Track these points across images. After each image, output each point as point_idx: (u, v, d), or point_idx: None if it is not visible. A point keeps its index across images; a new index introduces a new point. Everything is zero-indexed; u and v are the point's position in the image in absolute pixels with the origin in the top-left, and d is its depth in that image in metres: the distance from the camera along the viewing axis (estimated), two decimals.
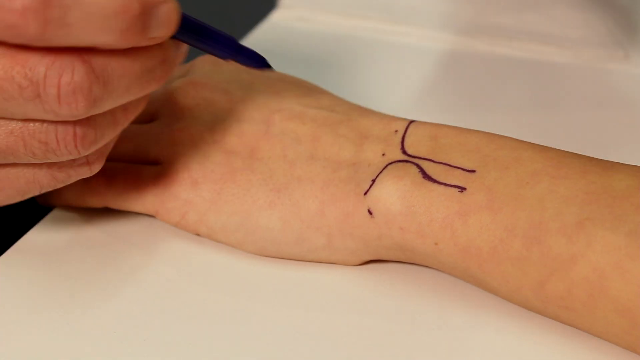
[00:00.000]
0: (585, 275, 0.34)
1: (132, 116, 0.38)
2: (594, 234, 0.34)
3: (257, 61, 0.39)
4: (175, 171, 0.42)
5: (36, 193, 0.38)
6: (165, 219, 0.42)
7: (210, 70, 0.47)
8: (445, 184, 0.38)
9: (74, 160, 0.37)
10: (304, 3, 0.69)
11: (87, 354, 0.36)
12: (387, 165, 0.39)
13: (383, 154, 0.40)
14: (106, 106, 0.35)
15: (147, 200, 0.42)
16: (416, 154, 0.39)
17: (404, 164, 0.39)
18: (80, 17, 0.31)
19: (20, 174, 0.37)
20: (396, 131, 0.41)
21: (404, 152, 0.39)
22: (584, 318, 0.35)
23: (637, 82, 0.56)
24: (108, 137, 0.37)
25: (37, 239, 0.43)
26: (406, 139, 0.40)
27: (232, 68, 0.46)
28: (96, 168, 0.38)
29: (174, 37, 0.36)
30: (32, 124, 0.35)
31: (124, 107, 0.37)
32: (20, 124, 0.35)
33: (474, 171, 0.38)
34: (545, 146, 0.38)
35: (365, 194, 0.39)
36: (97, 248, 0.42)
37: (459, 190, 0.37)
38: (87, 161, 0.38)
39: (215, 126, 0.43)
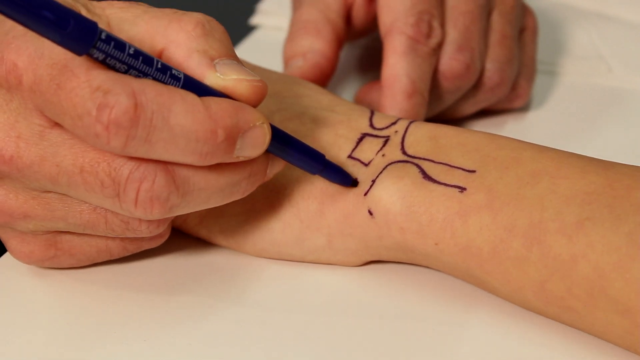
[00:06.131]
0: (585, 275, 0.34)
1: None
2: (594, 234, 0.34)
3: (343, 177, 0.39)
4: None
5: (104, 260, 0.39)
6: None
7: None
8: (446, 184, 0.38)
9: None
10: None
11: (88, 354, 0.36)
12: (387, 166, 0.39)
13: (383, 155, 0.40)
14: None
15: None
16: (416, 154, 0.39)
17: (404, 164, 0.39)
18: (164, 138, 0.32)
19: (93, 242, 0.38)
20: (396, 131, 0.41)
21: (404, 153, 0.39)
22: (585, 318, 0.35)
23: (619, 96, 0.56)
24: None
25: None
26: (406, 139, 0.40)
27: None
28: (165, 238, 0.39)
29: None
30: None
31: None
32: None
33: (474, 171, 0.38)
34: (545, 146, 0.38)
35: (365, 194, 0.39)
36: None
37: (459, 190, 0.37)
38: (160, 234, 0.38)
39: None
